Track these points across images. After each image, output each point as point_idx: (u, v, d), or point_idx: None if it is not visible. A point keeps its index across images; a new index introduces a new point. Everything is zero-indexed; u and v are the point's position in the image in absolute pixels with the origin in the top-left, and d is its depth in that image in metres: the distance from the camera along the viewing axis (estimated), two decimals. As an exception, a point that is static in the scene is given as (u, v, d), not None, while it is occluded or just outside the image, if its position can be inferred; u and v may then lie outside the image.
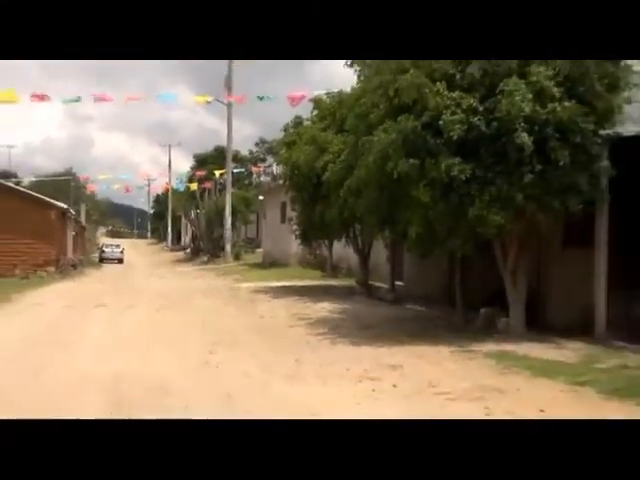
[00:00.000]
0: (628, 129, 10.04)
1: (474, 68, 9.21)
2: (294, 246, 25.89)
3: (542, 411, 6.42)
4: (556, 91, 9.19)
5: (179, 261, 42.82)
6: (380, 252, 18.31)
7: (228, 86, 31.05)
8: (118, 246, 43.85)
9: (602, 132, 9.68)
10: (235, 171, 35.87)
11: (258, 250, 34.59)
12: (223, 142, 35.38)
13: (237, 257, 33.35)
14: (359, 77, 12.43)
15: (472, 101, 9.22)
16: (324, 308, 15.20)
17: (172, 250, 52.55)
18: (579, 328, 10.49)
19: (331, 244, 21.96)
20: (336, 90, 17.18)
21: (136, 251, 51.05)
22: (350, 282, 20.06)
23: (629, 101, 9.75)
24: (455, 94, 9.28)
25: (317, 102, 18.30)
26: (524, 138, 9.01)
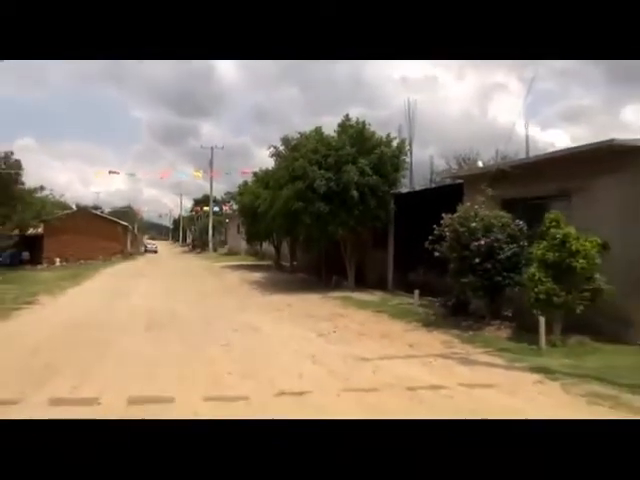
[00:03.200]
0: (402, 190, 17.74)
1: (331, 160, 16.20)
2: (243, 244, 41.54)
3: (362, 325, 10.85)
4: (370, 171, 16.04)
5: (184, 252, 66.93)
6: (285, 247, 29.42)
7: (210, 166, 53.84)
8: (154, 244, 69.05)
9: (392, 191, 16.83)
10: (215, 209, 58.97)
11: (226, 246, 54.79)
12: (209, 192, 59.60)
13: (215, 250, 53.88)
14: (275, 162, 19.32)
15: (330, 175, 15.96)
16: (256, 276, 23.85)
17: (181, 246, 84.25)
18: (381, 285, 16.90)
19: (261, 243, 35.01)
20: (264, 168, 27.30)
21: (163, 246, 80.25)
22: (270, 262, 32.12)
23: (404, 176, 17.63)
24: (322, 171, 15.92)
25: (255, 174, 29.17)
26: (354, 193, 15.76)
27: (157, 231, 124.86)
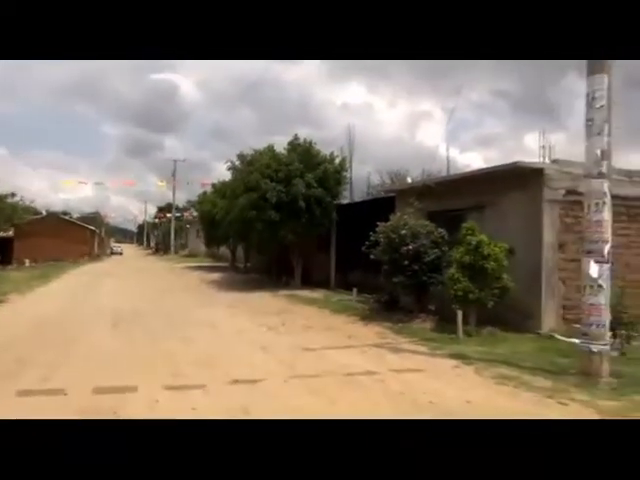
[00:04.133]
0: (343, 201, 17.94)
1: (282, 174, 16.16)
2: (202, 247, 41.24)
3: (308, 319, 10.74)
4: (315, 184, 16.14)
5: (148, 254, 64.40)
6: (240, 250, 28.94)
7: (173, 177, 53.35)
8: (120, 247, 65.85)
9: (334, 202, 16.97)
10: (177, 215, 58.13)
11: (187, 249, 54.05)
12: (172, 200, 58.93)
13: (176, 252, 52.75)
14: (232, 175, 19.07)
15: (281, 187, 15.91)
16: (214, 276, 23.24)
17: (145, 249, 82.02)
18: (324, 284, 16.96)
19: (219, 247, 33.95)
20: (222, 180, 26.53)
21: (128, 249, 77.54)
22: (226, 264, 31.39)
23: (345, 189, 17.84)
24: (274, 184, 15.85)
25: (213, 185, 28.74)
26: (301, 204, 15.81)
27: (123, 235, 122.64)
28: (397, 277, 10.38)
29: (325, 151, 17.50)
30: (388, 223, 10.76)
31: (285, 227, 16.19)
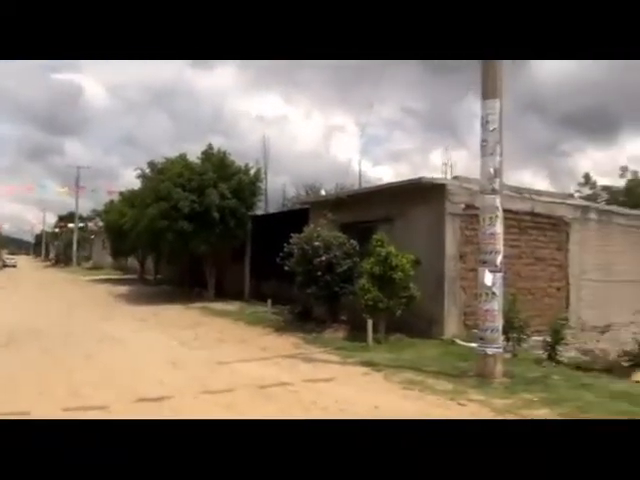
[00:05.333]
0: (258, 212, 17.89)
1: (195, 184, 15.79)
2: (108, 259, 38.57)
3: (221, 332, 10.54)
4: (230, 195, 15.79)
5: (47, 266, 58.08)
6: (150, 261, 27.66)
7: (77, 184, 50.31)
8: (13, 259, 59.30)
9: (249, 213, 16.81)
10: (80, 224, 53.71)
11: (91, 261, 49.62)
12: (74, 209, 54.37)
13: (79, 264, 48.17)
14: (142, 183, 18.24)
15: (194, 197, 15.46)
16: (121, 289, 21.92)
17: (44, 261, 72.75)
18: (239, 296, 16.71)
19: (127, 258, 32.59)
20: (130, 188, 24.51)
21: (24, 261, 67.99)
22: (135, 276, 29.32)
23: (260, 201, 17.82)
24: (186, 194, 15.38)
25: (122, 194, 26.69)
26: (215, 214, 15.45)
27: (17, 246, 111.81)
28: (310, 288, 10.52)
29: (240, 162, 17.36)
30: (302, 234, 10.90)
31: (198, 238, 15.76)
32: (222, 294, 17.33)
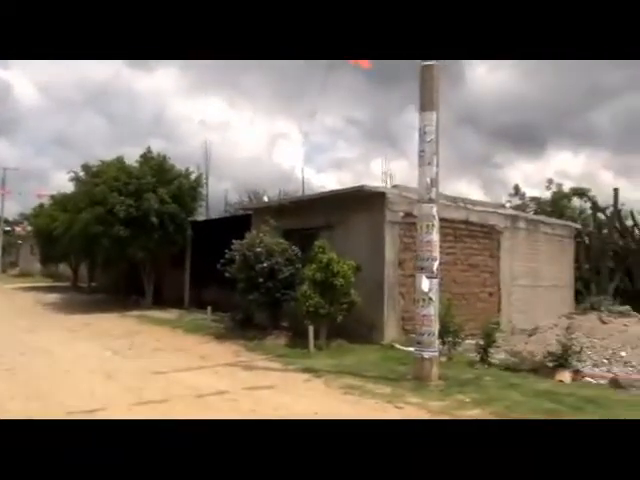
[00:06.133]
0: (199, 218, 17.55)
1: (132, 188, 15.19)
2: (38, 266, 35.93)
3: (158, 340, 10.25)
4: (169, 200, 15.38)
5: None
6: (84, 268, 25.91)
7: (2, 186, 45.33)
8: None
9: (189, 219, 16.45)
10: (6, 229, 48.93)
11: (17, 268, 46.05)
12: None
13: (4, 271, 44.29)
14: (75, 186, 17.35)
15: (131, 201, 14.89)
16: (52, 297, 20.57)
17: None
18: (178, 304, 16.25)
19: (58, 265, 30.82)
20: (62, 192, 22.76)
21: None
22: (68, 284, 27.59)
23: (201, 206, 17.47)
24: (123, 198, 14.79)
25: (53, 197, 24.74)
26: (154, 220, 14.97)
27: None
28: (252, 294, 10.42)
29: (181, 166, 16.96)
30: (244, 241, 10.79)
31: (135, 244, 15.22)
32: (161, 302, 16.82)
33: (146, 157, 16.54)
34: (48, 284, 30.32)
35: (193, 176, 16.97)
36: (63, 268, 30.83)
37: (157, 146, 39.23)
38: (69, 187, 18.84)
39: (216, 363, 8.06)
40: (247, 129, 53.88)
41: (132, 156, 16.86)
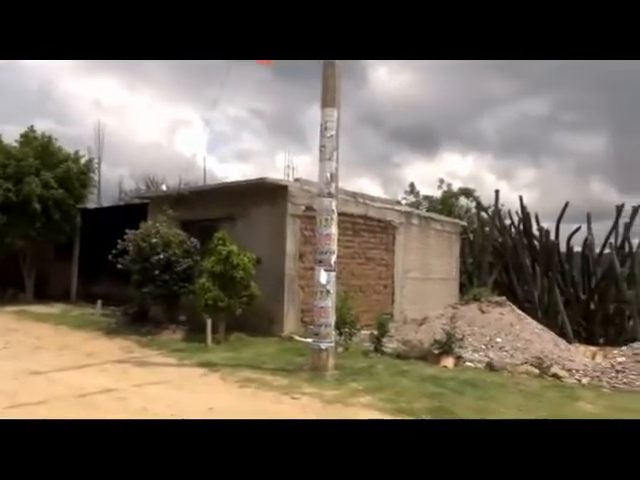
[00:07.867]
0: (90, 206, 16.36)
1: (11, 170, 13.66)
2: None
3: (39, 338, 9.30)
4: (55, 184, 14.08)
5: None
6: None
7: None
8: None
9: (78, 206, 15.27)
10: None
11: None
12: None
13: None
14: None
15: (9, 185, 13.52)
16: None
17: None
18: (64, 297, 15.23)
19: None
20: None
21: None
22: None
23: (91, 193, 16.26)
24: (0, 181, 13.36)
25: None
26: (36, 206, 13.67)
27: None
28: (147, 287, 9.92)
29: (70, 149, 15.59)
30: (138, 231, 10.22)
31: (14, 232, 13.84)
32: (44, 296, 15.43)
33: (28, 137, 14.96)
34: None
35: (83, 160, 15.67)
36: None
37: (44, 126, 35.39)
38: None
39: (104, 360, 7.55)
40: (146, 113, 51.01)
41: (12, 135, 15.24)
